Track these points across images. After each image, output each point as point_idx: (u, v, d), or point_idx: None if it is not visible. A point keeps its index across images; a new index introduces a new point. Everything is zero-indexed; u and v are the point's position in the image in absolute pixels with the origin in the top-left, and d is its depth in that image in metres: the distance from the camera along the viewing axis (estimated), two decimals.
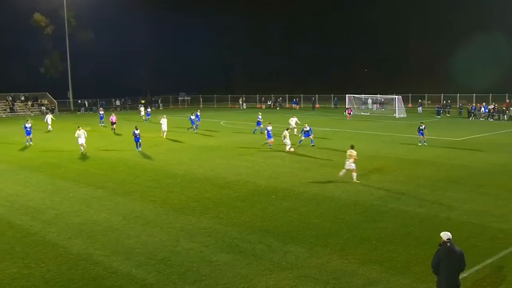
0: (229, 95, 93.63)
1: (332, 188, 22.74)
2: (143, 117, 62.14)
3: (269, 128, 35.38)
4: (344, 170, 23.79)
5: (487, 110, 60.24)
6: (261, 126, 43.76)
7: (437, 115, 64.37)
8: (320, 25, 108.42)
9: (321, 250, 14.89)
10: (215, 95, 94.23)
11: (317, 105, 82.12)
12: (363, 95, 73.52)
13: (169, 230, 16.99)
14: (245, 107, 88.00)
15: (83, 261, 14.44)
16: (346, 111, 63.16)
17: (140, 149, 34.94)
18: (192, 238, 16.16)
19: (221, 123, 56.38)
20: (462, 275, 11.40)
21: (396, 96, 66.28)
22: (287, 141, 33.30)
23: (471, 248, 14.41)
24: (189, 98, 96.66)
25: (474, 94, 70.61)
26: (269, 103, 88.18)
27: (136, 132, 35.23)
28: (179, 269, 13.73)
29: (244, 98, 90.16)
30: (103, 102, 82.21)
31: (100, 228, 17.41)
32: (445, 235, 10.61)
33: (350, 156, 23.54)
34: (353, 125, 52.48)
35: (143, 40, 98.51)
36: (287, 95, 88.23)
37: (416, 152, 32.75)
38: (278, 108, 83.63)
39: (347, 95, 70.73)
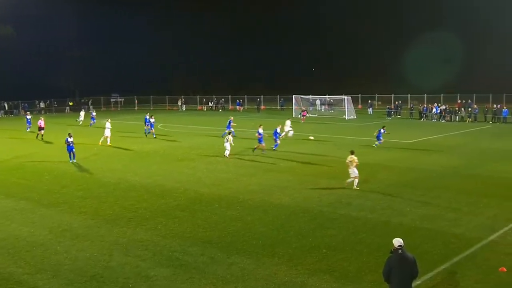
0: (166, 96, 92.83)
1: (280, 194, 22.96)
2: (80, 122, 59.47)
3: (261, 131, 34.64)
4: (350, 179, 23.93)
5: (438, 111, 62.44)
6: (231, 129, 43.70)
7: (387, 117, 66.15)
8: (266, 24, 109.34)
9: (268, 261, 15.00)
10: (151, 96, 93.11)
11: (262, 107, 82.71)
12: (310, 95, 74.33)
13: (102, 244, 16.68)
14: (184, 109, 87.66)
15: (4, 280, 13.98)
16: (301, 113, 63.30)
17: (74, 160, 32.35)
18: (127, 252, 15.92)
19: (159, 126, 55.80)
20: (415, 283, 11.80)
21: (346, 97, 67.55)
22: (227, 145, 33.22)
23: (424, 254, 14.92)
24: (123, 99, 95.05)
25: (425, 95, 73.11)
26: (210, 104, 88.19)
27: (70, 139, 32.28)
28: (113, 286, 13.50)
29: (183, 100, 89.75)
30: (26, 104, 79.45)
31: (23, 243, 16.88)
32: (397, 241, 10.93)
33: (352, 162, 23.74)
34: (301, 127, 53.05)
35: (70, 36, 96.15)
36: (230, 96, 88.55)
37: (366, 155, 33.46)
38: (220, 110, 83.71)
39: (294, 96, 71.54)
